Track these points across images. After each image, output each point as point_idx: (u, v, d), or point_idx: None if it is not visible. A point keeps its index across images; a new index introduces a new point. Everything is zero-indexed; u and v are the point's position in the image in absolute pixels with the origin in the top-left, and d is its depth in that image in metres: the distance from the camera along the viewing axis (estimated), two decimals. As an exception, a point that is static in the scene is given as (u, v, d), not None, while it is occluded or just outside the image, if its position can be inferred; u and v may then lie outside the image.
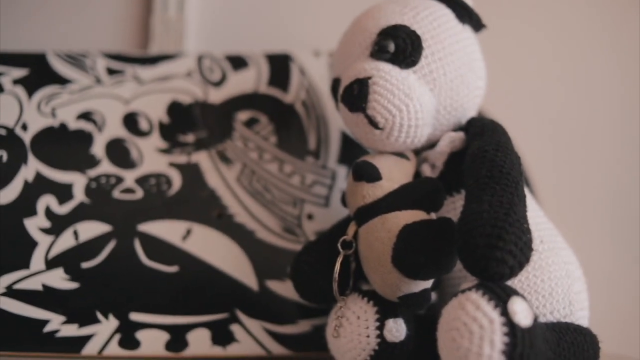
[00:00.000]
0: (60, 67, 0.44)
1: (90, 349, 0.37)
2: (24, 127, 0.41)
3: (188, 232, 0.39)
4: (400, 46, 0.31)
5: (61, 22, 0.50)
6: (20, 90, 0.43)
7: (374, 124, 0.31)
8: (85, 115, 0.42)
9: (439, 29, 0.32)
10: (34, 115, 0.42)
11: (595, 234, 0.50)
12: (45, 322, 0.37)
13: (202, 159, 0.41)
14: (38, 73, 0.43)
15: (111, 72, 0.44)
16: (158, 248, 0.39)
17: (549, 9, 0.52)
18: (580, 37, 0.53)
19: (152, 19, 0.49)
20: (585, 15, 0.53)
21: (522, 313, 0.22)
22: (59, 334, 0.37)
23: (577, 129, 0.52)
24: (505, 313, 0.22)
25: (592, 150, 0.52)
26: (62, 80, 0.43)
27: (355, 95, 0.31)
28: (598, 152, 0.52)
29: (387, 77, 0.31)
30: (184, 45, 0.49)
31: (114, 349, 0.37)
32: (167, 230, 0.39)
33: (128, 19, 0.50)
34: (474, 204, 0.25)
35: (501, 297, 0.23)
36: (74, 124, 0.42)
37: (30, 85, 0.43)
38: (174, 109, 0.43)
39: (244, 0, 0.51)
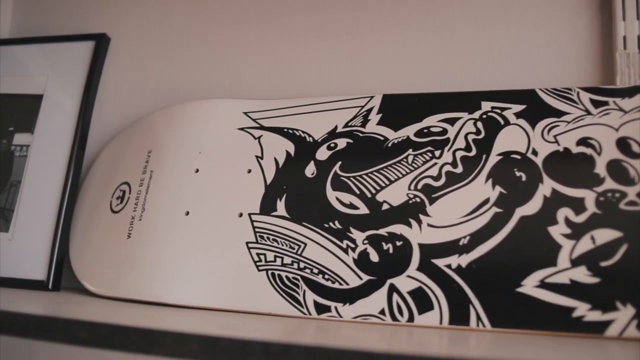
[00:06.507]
0: (551, 101, 0.54)
1: (611, 331, 0.47)
2: (534, 153, 0.53)
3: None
4: None
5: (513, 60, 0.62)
6: (523, 122, 0.54)
7: None
8: (584, 141, 0.52)
9: None
10: (540, 142, 0.53)
11: None
12: (573, 309, 0.48)
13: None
14: (534, 107, 0.55)
15: (596, 103, 0.53)
16: (663, 251, 0.47)
17: None
18: None
19: (616, 55, 0.58)
20: None
21: None
22: (585, 319, 0.48)
23: None
24: None
25: None
26: (557, 113, 0.54)
27: None
28: None
29: None
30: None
31: (632, 331, 0.46)
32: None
33: (591, 56, 0.60)
34: None
35: None
36: (575, 149, 0.52)
37: (531, 117, 0.54)
38: (661, 133, 0.51)
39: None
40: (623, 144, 0.51)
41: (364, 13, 0.67)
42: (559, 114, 0.53)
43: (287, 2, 0.70)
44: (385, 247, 0.52)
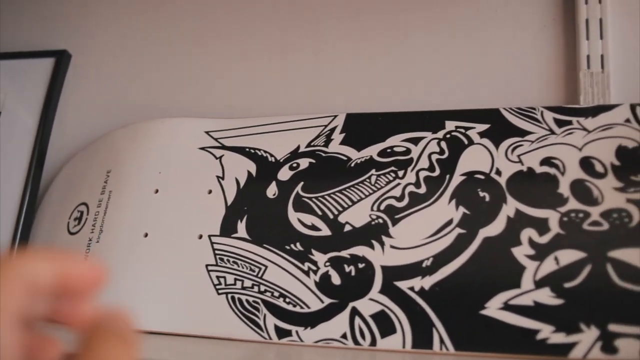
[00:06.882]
0: (515, 120, 0.54)
1: (575, 353, 0.46)
2: (498, 173, 0.52)
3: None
4: None
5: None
6: (487, 142, 0.54)
7: None
8: (547, 161, 0.51)
9: None
10: (504, 161, 0.52)
11: None
12: (537, 332, 0.47)
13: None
14: (498, 126, 0.54)
15: (560, 123, 0.53)
16: (627, 271, 0.47)
17: None
18: None
19: (579, 74, 0.58)
20: None
21: None
22: (549, 341, 0.47)
23: None
24: None
25: None
26: (521, 132, 0.53)
27: None
28: None
29: None
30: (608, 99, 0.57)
31: (596, 353, 0.46)
32: (634, 256, 0.47)
33: (555, 75, 0.60)
34: None
35: None
36: (539, 169, 0.52)
37: (495, 137, 0.54)
38: (621, 152, 0.51)
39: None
40: (586, 164, 0.51)
41: (327, 31, 0.66)
42: (522, 133, 0.53)
43: (249, 21, 0.69)
44: (347, 269, 0.51)
